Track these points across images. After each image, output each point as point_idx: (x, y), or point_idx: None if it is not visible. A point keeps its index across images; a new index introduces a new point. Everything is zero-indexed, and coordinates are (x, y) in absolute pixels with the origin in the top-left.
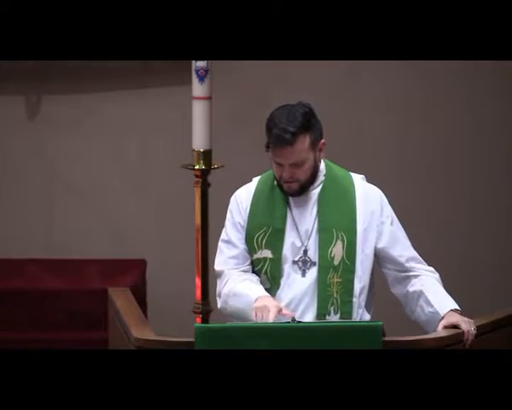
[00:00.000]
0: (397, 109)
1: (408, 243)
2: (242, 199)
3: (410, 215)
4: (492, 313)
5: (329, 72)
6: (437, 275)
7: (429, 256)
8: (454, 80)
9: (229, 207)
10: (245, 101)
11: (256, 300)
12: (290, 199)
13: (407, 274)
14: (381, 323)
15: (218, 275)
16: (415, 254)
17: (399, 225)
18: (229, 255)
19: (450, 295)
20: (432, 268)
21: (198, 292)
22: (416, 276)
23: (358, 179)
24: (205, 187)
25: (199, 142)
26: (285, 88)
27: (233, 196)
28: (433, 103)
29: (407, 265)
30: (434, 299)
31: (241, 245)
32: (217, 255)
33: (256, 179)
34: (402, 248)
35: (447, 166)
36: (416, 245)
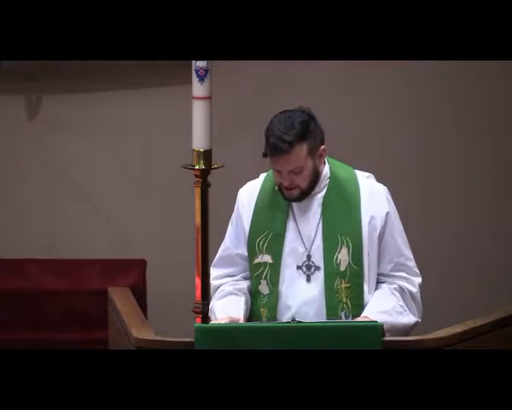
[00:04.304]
0: (399, 108)
1: (402, 245)
2: (243, 201)
3: (409, 214)
4: (492, 313)
5: (329, 71)
6: (409, 286)
7: (423, 255)
8: (453, 80)
9: (235, 205)
10: (245, 101)
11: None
12: (293, 203)
13: (380, 281)
14: (381, 323)
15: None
16: (403, 259)
17: (400, 227)
18: (223, 271)
19: (451, 294)
20: (413, 276)
21: (198, 292)
22: (382, 283)
23: (363, 179)
24: (205, 187)
25: (199, 142)
26: (285, 88)
27: (238, 194)
28: (433, 104)
29: (389, 273)
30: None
31: (235, 249)
32: (215, 260)
33: (263, 176)
34: (393, 254)
35: (451, 167)
36: (411, 245)
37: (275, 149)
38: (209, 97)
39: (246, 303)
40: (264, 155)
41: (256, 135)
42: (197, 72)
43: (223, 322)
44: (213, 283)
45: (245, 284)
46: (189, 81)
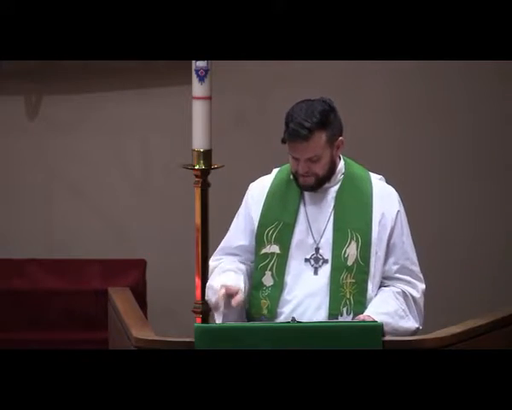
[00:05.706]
0: (397, 108)
1: (409, 248)
2: (254, 193)
3: (412, 212)
4: (492, 313)
5: (330, 71)
6: (413, 291)
7: (427, 254)
8: (455, 80)
9: (244, 197)
10: (245, 101)
11: (220, 288)
12: (306, 195)
13: (384, 284)
14: (381, 323)
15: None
16: (409, 263)
17: (409, 231)
18: (225, 251)
19: (451, 294)
20: (417, 281)
21: (198, 292)
22: (386, 286)
23: (376, 180)
24: (205, 187)
25: (199, 142)
26: (285, 88)
27: (248, 188)
28: (434, 103)
29: (393, 275)
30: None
31: (237, 241)
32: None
33: (275, 171)
34: (399, 256)
35: (448, 165)
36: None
37: (294, 135)
38: (209, 97)
39: (245, 282)
40: (283, 141)
41: (256, 135)
42: (197, 72)
43: (221, 292)
44: (212, 264)
45: (244, 267)
46: (189, 81)
